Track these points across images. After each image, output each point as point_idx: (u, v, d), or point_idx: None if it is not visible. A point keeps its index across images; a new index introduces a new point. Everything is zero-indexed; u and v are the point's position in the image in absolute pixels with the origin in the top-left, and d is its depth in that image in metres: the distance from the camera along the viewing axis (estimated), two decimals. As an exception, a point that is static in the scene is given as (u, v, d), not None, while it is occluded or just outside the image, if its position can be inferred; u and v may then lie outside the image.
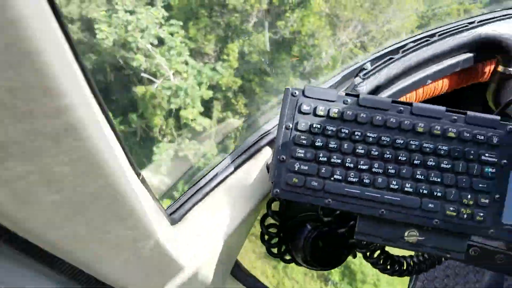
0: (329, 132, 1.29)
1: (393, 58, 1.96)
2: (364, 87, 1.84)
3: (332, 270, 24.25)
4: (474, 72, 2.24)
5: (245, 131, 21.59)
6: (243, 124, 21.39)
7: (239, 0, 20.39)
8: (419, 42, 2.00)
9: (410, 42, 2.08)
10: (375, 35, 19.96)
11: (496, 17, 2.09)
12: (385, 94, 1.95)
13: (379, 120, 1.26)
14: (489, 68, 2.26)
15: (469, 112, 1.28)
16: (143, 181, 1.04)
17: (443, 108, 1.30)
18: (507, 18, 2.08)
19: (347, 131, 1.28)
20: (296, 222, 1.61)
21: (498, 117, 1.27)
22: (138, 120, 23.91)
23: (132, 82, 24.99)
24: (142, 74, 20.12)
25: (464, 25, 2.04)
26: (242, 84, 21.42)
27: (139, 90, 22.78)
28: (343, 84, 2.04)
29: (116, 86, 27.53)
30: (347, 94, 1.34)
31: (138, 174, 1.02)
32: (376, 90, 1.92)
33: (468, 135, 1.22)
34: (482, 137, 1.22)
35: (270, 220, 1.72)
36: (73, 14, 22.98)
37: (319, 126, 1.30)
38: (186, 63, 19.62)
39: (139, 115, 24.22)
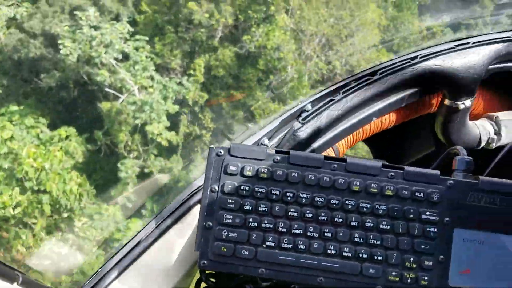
0: (259, 194, 1.20)
1: (333, 99, 1.91)
2: (304, 132, 1.77)
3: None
4: (421, 105, 2.22)
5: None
6: (210, 139, 21.30)
7: (205, 16, 20.47)
8: (360, 81, 1.96)
9: (352, 80, 2.02)
10: (339, 48, 20.37)
11: (439, 51, 2.06)
12: (327, 136, 1.87)
13: (312, 179, 1.20)
14: (436, 99, 2.24)
15: (406, 168, 1.22)
16: (25, 283, 0.90)
17: (379, 164, 1.24)
18: (451, 51, 2.06)
19: (278, 192, 1.20)
20: (235, 285, 1.51)
21: (438, 172, 1.23)
22: (103, 137, 23.44)
23: (97, 98, 24.56)
24: (107, 89, 19.82)
25: (406, 61, 2.01)
26: (209, 99, 21.36)
27: (104, 106, 22.36)
28: (282, 129, 1.88)
29: (81, 102, 27.00)
30: (277, 152, 1.27)
31: (13, 279, 0.89)
32: (318, 134, 1.84)
33: (406, 192, 1.17)
34: (422, 194, 1.17)
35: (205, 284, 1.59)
36: (36, 29, 22.53)
37: (247, 188, 1.21)
38: (152, 78, 19.45)
39: (104, 131, 23.78)
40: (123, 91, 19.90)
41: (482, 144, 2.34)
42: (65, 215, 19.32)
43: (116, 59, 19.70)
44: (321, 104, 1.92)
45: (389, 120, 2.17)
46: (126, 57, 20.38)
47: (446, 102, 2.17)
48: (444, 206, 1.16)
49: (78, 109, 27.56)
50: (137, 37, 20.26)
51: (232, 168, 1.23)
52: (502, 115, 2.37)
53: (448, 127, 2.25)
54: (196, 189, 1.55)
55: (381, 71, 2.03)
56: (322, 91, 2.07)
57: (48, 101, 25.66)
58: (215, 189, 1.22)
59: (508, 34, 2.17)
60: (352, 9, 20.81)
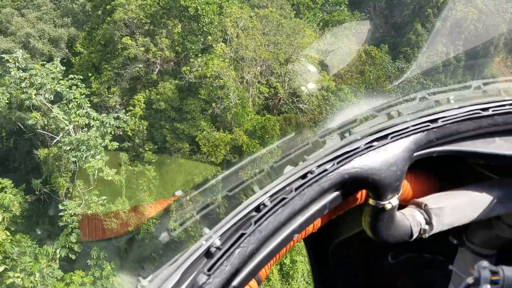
0: None
1: (245, 233, 1.76)
2: (212, 285, 1.62)
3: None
4: (345, 204, 2.16)
5: (157, 181, 20.45)
6: (154, 174, 20.35)
7: (140, 49, 20.03)
8: (275, 202, 1.84)
9: (266, 199, 1.91)
10: (279, 71, 20.39)
11: (357, 152, 2.05)
12: (244, 274, 1.73)
13: None
14: (360, 194, 2.18)
15: None
16: None
17: None
18: (369, 151, 2.06)
19: None
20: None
21: None
22: (41, 186, 21.96)
23: (34, 146, 23.20)
24: (40, 131, 18.63)
25: (322, 171, 1.97)
26: (151, 133, 20.59)
27: (41, 153, 21.07)
28: (183, 282, 1.67)
29: (16, 152, 25.43)
30: None
31: None
32: (231, 280, 1.68)
33: None
34: None
35: None
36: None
37: None
38: (88, 115, 18.53)
39: (43, 179, 22.32)
40: (59, 131, 18.78)
41: (415, 236, 2.34)
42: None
43: (48, 99, 18.70)
44: (232, 241, 1.73)
45: (314, 226, 2.09)
46: (60, 97, 19.45)
47: (371, 202, 2.13)
48: None
49: (15, 159, 25.98)
50: (71, 76, 19.43)
51: None
52: (431, 202, 2.39)
53: (376, 226, 2.23)
54: None
55: (297, 187, 1.92)
56: (232, 219, 1.90)
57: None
58: None
59: (425, 119, 2.24)
60: (288, 34, 21.08)
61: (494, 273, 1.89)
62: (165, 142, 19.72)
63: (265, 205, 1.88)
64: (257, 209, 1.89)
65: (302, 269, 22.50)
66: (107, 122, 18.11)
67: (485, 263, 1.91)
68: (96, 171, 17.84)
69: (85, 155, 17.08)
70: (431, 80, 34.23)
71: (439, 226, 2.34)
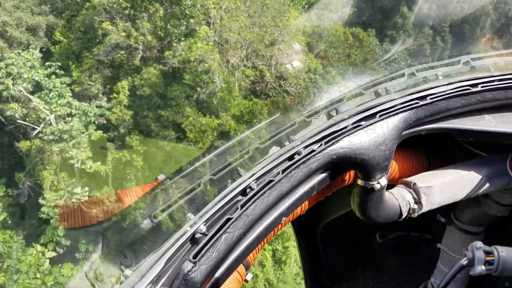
0: None
1: (231, 218, 1.71)
2: (198, 273, 1.57)
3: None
4: (333, 185, 2.15)
5: (146, 171, 19.99)
6: (141, 164, 19.89)
7: (122, 35, 19.43)
8: (262, 185, 1.76)
9: (253, 182, 1.86)
10: (264, 53, 19.94)
11: (345, 131, 2.00)
12: (231, 260, 1.70)
13: None
14: (349, 174, 2.17)
15: None
16: None
17: None
18: (357, 130, 2.00)
19: None
20: None
21: None
22: (24, 179, 21.36)
23: (15, 139, 22.55)
24: (20, 121, 18.00)
25: (310, 152, 1.89)
26: (136, 121, 20.07)
27: (23, 145, 20.46)
28: (168, 270, 1.56)
29: (-1, 146, 24.73)
30: None
31: None
32: (218, 266, 1.64)
33: None
34: None
35: None
36: None
37: None
38: (70, 105, 17.95)
39: (26, 173, 21.72)
40: (40, 122, 18.19)
41: (404, 216, 2.36)
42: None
43: (27, 90, 18.06)
44: (218, 226, 1.68)
45: (302, 208, 2.08)
46: (39, 86, 18.82)
47: (360, 182, 2.11)
48: None
49: (-3, 154, 25.29)
50: (48, 63, 18.77)
51: None
52: (420, 181, 2.40)
53: (365, 207, 2.22)
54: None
55: (284, 169, 1.88)
56: (217, 203, 1.84)
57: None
58: None
59: (414, 97, 2.20)
60: (273, 16, 20.61)
61: (488, 253, 1.90)
62: (150, 130, 19.25)
63: (251, 189, 1.85)
64: (244, 192, 1.85)
65: (295, 254, 22.33)
66: (90, 112, 17.55)
67: (479, 243, 1.93)
68: (80, 162, 17.30)
69: (67, 145, 16.54)
70: (419, 63, 34.07)
71: (428, 205, 2.35)
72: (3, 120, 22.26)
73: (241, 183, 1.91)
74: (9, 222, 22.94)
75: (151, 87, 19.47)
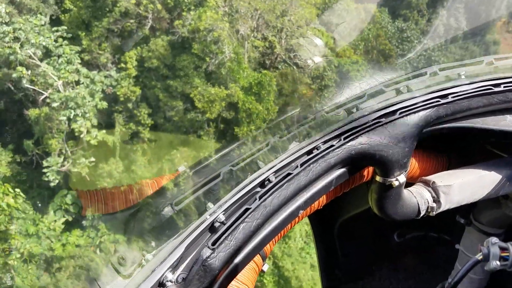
0: None
1: (249, 208, 1.74)
2: (216, 259, 1.62)
3: (265, 281, 22.93)
4: (352, 181, 2.15)
5: (153, 143, 19.98)
6: (149, 136, 19.90)
7: (131, 2, 19.21)
8: (280, 178, 1.78)
9: (271, 174, 1.89)
10: (275, 25, 19.62)
11: (364, 127, 2.00)
12: (248, 250, 1.73)
13: None
14: (367, 170, 2.18)
15: None
16: None
17: None
18: (377, 126, 2.00)
19: None
20: None
21: None
22: (33, 146, 21.48)
23: (24, 107, 22.62)
24: (26, 85, 17.98)
25: (329, 147, 1.93)
26: (144, 93, 20.00)
27: (31, 113, 20.52)
28: (187, 256, 1.61)
29: (7, 115, 24.84)
30: None
31: None
32: (235, 255, 1.67)
33: None
34: None
35: None
36: None
37: None
38: (78, 72, 17.87)
39: (34, 141, 21.83)
40: (48, 88, 18.18)
41: (422, 214, 2.33)
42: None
43: (35, 54, 18.00)
44: (236, 215, 1.72)
45: (319, 203, 2.09)
46: (48, 53, 18.76)
47: (378, 179, 2.10)
48: None
49: (7, 123, 25.41)
50: (55, 28, 18.66)
51: None
52: (439, 180, 2.37)
53: (383, 204, 2.20)
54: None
55: (302, 162, 1.90)
56: (236, 193, 1.88)
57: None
58: None
59: (435, 95, 2.17)
60: (285, -15, 20.21)
61: (503, 249, 1.92)
62: (158, 101, 19.15)
63: (270, 181, 1.87)
64: (262, 184, 1.87)
65: (300, 230, 22.38)
66: (97, 81, 17.47)
67: (494, 239, 1.95)
68: (85, 131, 17.30)
69: (73, 113, 16.50)
70: (433, 42, 33.44)
71: (446, 204, 2.33)
72: (12, 88, 22.36)
73: (260, 175, 1.93)
74: (18, 189, 23.23)
75: (159, 59, 19.31)
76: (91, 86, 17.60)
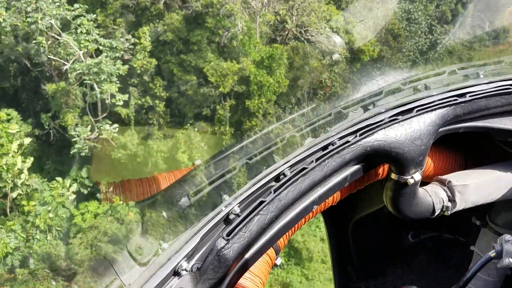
0: None
1: (264, 201, 1.74)
2: (231, 250, 1.62)
3: (276, 253, 23.33)
4: (367, 178, 2.14)
5: (168, 117, 20.48)
6: (164, 109, 20.40)
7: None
8: (295, 172, 1.80)
9: (287, 169, 1.89)
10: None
11: (380, 124, 1.99)
12: (261, 243, 1.74)
13: None
14: (383, 168, 2.15)
15: None
16: None
17: None
18: (393, 123, 1.99)
19: None
20: None
21: None
22: (50, 120, 22.02)
23: (41, 81, 23.11)
24: (48, 56, 18.55)
25: (344, 143, 1.93)
26: (158, 67, 20.51)
27: (49, 88, 21.06)
28: (202, 246, 1.67)
29: (24, 91, 25.40)
30: None
31: None
32: (249, 246, 1.69)
33: None
34: None
35: None
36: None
37: None
38: (96, 41, 18.46)
39: (52, 115, 22.35)
40: (68, 60, 18.74)
41: (437, 213, 2.33)
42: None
43: (56, 24, 18.56)
44: (251, 208, 1.73)
45: (333, 199, 2.07)
46: (66, 27, 19.32)
47: (394, 176, 2.09)
48: None
49: (24, 100, 25.92)
50: (76, 5, 19.26)
51: None
52: (455, 179, 2.37)
53: (398, 202, 2.19)
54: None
55: (318, 157, 1.90)
56: (251, 186, 1.90)
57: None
58: None
59: (452, 94, 2.18)
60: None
61: None
62: (173, 75, 19.66)
63: (285, 175, 1.88)
64: (277, 178, 1.89)
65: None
66: (116, 47, 18.05)
67: (508, 236, 1.93)
68: (109, 96, 17.86)
69: (102, 77, 17.04)
70: (440, 25, 33.44)
71: (462, 203, 2.32)
72: (28, 65, 22.89)
73: (275, 169, 1.95)
74: (36, 163, 23.72)
75: (174, 33, 19.82)
76: (110, 53, 18.15)
